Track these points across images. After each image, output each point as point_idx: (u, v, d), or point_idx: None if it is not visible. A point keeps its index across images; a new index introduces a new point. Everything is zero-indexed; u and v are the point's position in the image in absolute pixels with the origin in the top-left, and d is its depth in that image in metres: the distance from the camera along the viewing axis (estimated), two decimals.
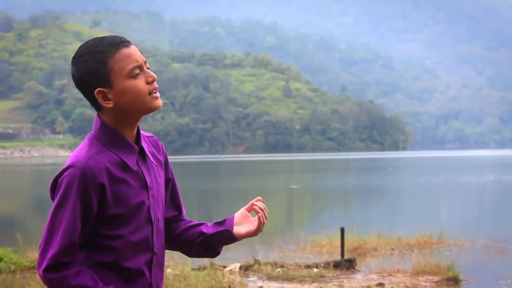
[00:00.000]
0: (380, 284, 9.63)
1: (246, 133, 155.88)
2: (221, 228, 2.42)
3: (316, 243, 13.72)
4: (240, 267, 10.65)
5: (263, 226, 2.39)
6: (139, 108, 2.30)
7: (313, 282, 9.82)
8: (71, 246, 2.22)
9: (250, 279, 10.06)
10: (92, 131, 2.34)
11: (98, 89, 2.27)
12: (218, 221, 2.44)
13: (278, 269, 10.47)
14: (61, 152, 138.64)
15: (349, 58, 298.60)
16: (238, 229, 2.39)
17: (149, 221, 2.35)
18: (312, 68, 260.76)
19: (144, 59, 2.33)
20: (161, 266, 2.42)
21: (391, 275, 10.38)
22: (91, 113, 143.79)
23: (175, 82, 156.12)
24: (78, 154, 2.26)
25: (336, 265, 10.80)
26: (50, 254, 2.21)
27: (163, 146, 2.51)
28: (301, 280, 9.88)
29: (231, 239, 2.41)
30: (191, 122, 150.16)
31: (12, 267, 10.00)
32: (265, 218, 2.38)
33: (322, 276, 10.19)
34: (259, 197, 2.42)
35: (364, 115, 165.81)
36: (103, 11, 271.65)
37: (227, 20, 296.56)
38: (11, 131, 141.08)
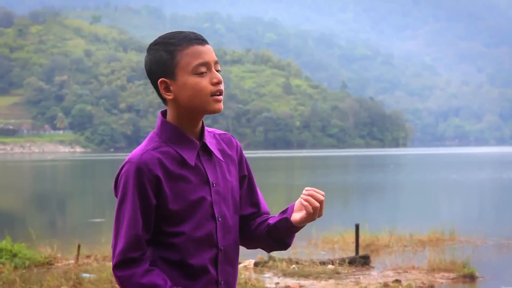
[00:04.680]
0: (397, 280, 9.57)
1: (246, 130, 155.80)
2: (282, 217, 2.36)
3: (327, 239, 13.67)
4: (255, 264, 10.59)
5: (319, 211, 2.33)
6: (198, 106, 2.31)
7: (329, 278, 9.76)
8: (136, 240, 2.24)
9: (266, 275, 9.99)
10: (155, 129, 2.36)
11: (161, 79, 2.29)
12: (283, 210, 2.40)
13: (294, 266, 10.42)
14: (61, 148, 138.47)
15: (349, 55, 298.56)
16: (295, 216, 2.34)
17: (213, 217, 2.33)
18: (312, 65, 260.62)
19: (216, 59, 2.32)
20: (231, 263, 2.39)
21: (407, 272, 10.32)
22: (91, 109, 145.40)
23: None
24: (135, 151, 2.30)
25: (351, 262, 10.74)
26: (117, 250, 2.24)
27: (238, 143, 2.49)
28: (317, 277, 9.82)
29: (291, 227, 2.35)
30: None
31: (27, 262, 9.95)
32: (319, 204, 2.32)
33: (337, 273, 10.13)
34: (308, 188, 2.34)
35: (364, 111, 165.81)
36: (103, 7, 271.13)
37: (227, 16, 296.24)
38: (11, 127, 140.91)
